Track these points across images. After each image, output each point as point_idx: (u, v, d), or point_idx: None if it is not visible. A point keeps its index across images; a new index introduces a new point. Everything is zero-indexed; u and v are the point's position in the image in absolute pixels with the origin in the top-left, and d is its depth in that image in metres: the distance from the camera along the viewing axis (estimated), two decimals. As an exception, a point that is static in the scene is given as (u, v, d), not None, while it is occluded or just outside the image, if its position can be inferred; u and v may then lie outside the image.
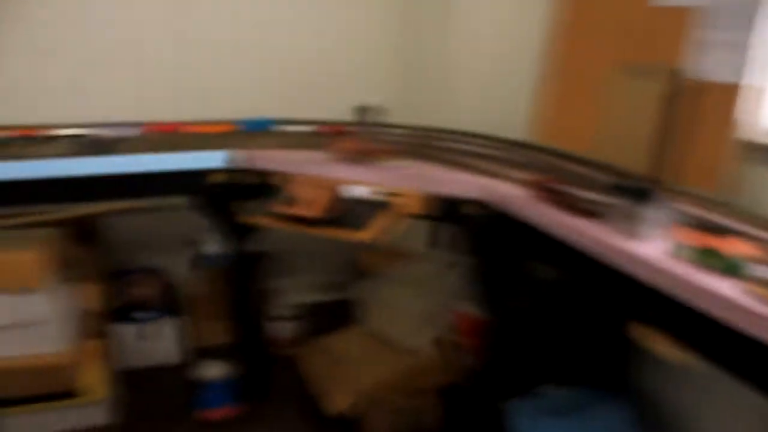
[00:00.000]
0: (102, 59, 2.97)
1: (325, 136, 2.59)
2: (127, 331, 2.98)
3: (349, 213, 1.92)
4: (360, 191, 1.97)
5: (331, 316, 3.14)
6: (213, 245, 3.00)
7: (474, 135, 2.45)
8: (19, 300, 2.48)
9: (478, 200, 1.96)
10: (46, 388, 2.61)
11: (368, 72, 3.30)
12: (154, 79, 3.02)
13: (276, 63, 3.15)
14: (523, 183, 1.90)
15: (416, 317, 2.64)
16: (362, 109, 2.34)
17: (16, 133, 2.73)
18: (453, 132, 2.51)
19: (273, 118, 2.74)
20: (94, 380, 2.68)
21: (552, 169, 2.01)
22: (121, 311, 2.98)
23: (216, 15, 3.06)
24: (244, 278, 2.55)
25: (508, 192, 1.90)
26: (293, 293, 3.25)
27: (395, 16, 3.32)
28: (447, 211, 2.02)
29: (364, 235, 1.86)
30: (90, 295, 2.86)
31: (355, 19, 3.26)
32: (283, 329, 3.05)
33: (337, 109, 2.66)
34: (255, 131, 2.65)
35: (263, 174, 2.23)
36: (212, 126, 2.64)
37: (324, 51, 3.22)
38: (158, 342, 3.01)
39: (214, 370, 2.70)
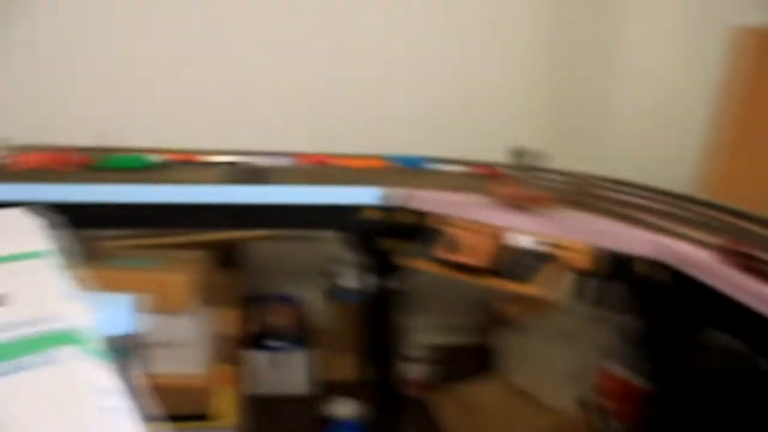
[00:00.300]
0: (253, 88, 3.09)
1: (480, 177, 2.55)
2: (258, 359, 3.04)
3: (514, 263, 1.87)
4: (525, 240, 1.92)
5: (466, 362, 3.08)
6: (350, 279, 3.02)
7: (638, 186, 2.35)
8: (164, 320, 2.58)
9: (652, 259, 1.86)
10: (180, 408, 2.69)
11: (521, 113, 3.26)
12: (304, 109, 3.10)
13: (427, 99, 3.16)
14: (707, 244, 1.79)
15: (560, 374, 2.54)
16: (518, 152, 2.29)
17: (174, 158, 2.87)
18: (615, 181, 2.42)
19: (424, 156, 2.74)
20: (226, 405, 2.74)
21: (736, 230, 1.88)
22: (254, 338, 3.05)
23: (368, 49, 3.12)
24: (380, 315, 2.54)
25: (689, 253, 1.79)
26: (427, 334, 3.22)
27: (552, 55, 3.27)
28: (617, 268, 1.93)
29: (531, 289, 1.81)
30: (227, 320, 2.95)
31: (510, 57, 3.24)
32: (416, 371, 3.02)
33: (488, 149, 2.63)
34: (406, 168, 2.66)
35: (419, 214, 2.22)
36: (362, 160, 2.67)
37: (476, 89, 3.21)
38: (288, 372, 3.05)
39: (344, 408, 2.71)
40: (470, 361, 3.12)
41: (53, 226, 1.87)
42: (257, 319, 3.11)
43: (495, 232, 2.01)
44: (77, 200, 2.50)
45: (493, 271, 1.93)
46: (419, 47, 3.20)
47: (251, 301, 3.15)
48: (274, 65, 3.14)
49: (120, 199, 2.53)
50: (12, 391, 0.86)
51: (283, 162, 2.80)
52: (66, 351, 0.99)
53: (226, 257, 3.08)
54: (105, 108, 3.18)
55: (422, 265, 2.07)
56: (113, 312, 1.50)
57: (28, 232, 1.86)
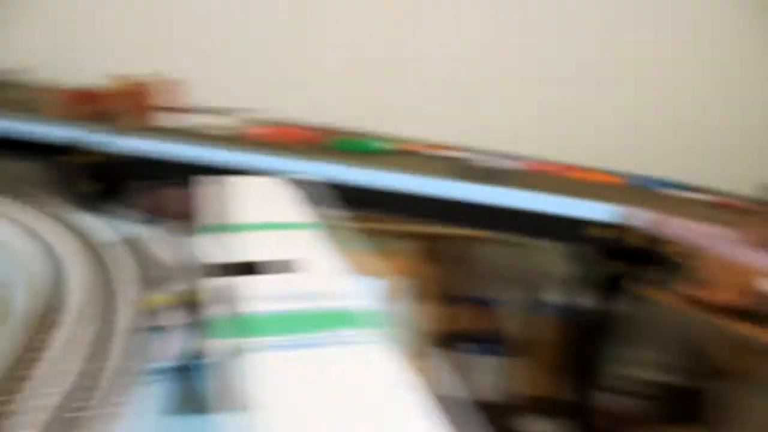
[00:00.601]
0: (485, 88, 3.15)
1: (725, 210, 2.43)
2: (449, 358, 3.11)
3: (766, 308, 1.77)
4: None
5: (674, 404, 2.95)
6: (556, 293, 3.00)
7: None
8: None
9: None
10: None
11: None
12: (538, 116, 3.12)
13: (671, 120, 3.06)
14: None
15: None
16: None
17: (401, 146, 3.01)
18: None
19: (663, 179, 2.66)
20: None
21: None
22: (449, 337, 3.12)
23: (609, 66, 3.06)
24: (590, 337, 2.51)
25: None
26: (637, 367, 3.12)
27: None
28: None
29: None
30: (427, 314, 3.04)
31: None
32: (617, 402, 2.94)
33: (734, 181, 2.49)
34: (643, 189, 2.59)
35: (655, 240, 2.16)
36: (596, 174, 2.65)
37: (727, 113, 3.04)
38: (478, 376, 3.09)
39: (534, 425, 2.71)
40: (680, 404, 2.98)
41: (313, 199, 2.05)
42: (455, 319, 3.18)
43: (750, 273, 1.92)
44: (305, 175, 2.70)
45: (743, 314, 1.84)
46: (668, 66, 3.10)
47: (452, 300, 3.23)
48: (510, 68, 3.18)
49: (346, 179, 2.71)
50: (301, 368, 0.96)
51: (511, 164, 2.84)
52: (356, 333, 1.08)
53: (435, 252, 3.18)
54: (338, 91, 3.40)
55: (659, 295, 2.02)
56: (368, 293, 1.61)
57: (292, 202, 2.04)
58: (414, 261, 2.91)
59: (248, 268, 1.33)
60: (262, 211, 1.70)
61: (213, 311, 1.20)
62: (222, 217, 1.67)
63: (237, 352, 0.96)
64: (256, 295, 1.16)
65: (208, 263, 1.41)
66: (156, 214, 2.77)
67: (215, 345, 1.10)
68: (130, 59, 3.64)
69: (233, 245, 1.49)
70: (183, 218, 2.73)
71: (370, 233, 2.83)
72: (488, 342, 3.17)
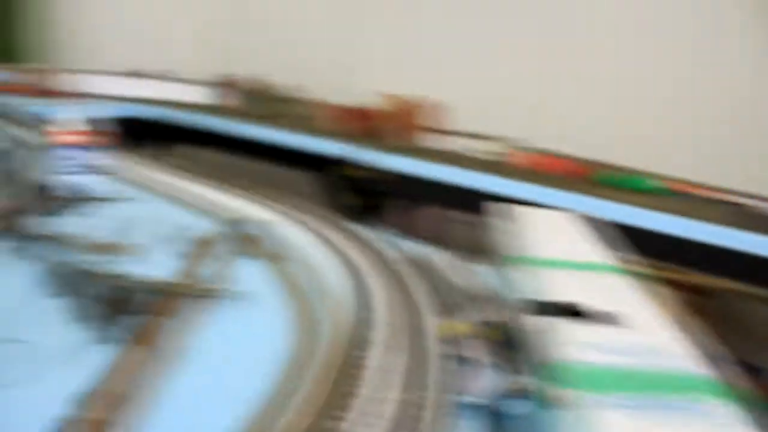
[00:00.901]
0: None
1: None
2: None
3: None
4: None
5: None
6: None
7: None
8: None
9: None
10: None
11: None
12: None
13: None
14: None
15: None
16: None
17: (671, 185, 2.87)
18: None
19: None
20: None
21: None
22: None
23: None
24: None
25: None
26: None
27: None
28: None
29: None
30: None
31: None
32: None
33: None
34: None
35: None
36: None
37: None
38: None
39: None
40: None
41: (601, 238, 2.00)
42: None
43: None
44: (585, 211, 2.66)
45: None
46: None
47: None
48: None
49: (616, 217, 2.63)
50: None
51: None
52: (713, 405, 0.99)
53: (703, 306, 2.97)
54: (602, 126, 3.33)
55: None
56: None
57: (589, 240, 2.01)
58: (676, 312, 2.74)
59: (569, 312, 1.28)
60: (561, 247, 1.69)
61: (534, 353, 1.17)
62: (519, 249, 1.68)
63: (568, 403, 0.92)
64: (584, 342, 1.10)
65: (523, 299, 1.39)
66: (412, 233, 2.89)
67: (539, 391, 1.08)
68: (399, 80, 3.87)
69: (543, 283, 1.47)
70: (438, 240, 2.82)
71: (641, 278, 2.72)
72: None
